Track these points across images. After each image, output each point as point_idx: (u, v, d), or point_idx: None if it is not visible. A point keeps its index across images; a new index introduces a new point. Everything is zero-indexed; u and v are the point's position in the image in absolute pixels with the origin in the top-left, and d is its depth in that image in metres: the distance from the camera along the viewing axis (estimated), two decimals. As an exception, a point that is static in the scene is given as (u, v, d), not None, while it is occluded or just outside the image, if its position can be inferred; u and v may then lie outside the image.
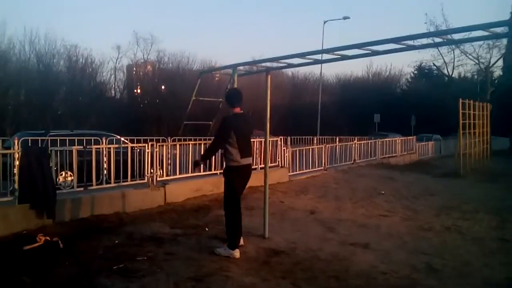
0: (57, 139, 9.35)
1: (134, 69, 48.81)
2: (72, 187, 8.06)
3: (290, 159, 13.46)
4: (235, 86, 6.37)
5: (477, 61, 31.18)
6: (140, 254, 5.80)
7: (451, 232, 7.62)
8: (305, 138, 25.99)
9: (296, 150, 14.10)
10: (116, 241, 6.39)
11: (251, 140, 11.97)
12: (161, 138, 11.68)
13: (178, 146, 10.00)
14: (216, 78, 35.52)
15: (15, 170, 6.94)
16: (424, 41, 5.15)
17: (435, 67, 43.06)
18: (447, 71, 37.79)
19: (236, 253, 5.78)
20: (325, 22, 36.11)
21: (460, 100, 16.83)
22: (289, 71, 50.62)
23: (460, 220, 8.46)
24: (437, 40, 5.07)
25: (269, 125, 7.09)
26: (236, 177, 5.94)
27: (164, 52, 47.82)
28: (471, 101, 17.97)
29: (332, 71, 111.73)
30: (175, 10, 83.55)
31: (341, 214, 8.81)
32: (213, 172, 10.69)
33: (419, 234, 7.36)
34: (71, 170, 8.11)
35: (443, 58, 34.59)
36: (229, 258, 5.72)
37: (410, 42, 4.97)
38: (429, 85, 50.03)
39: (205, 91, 6.70)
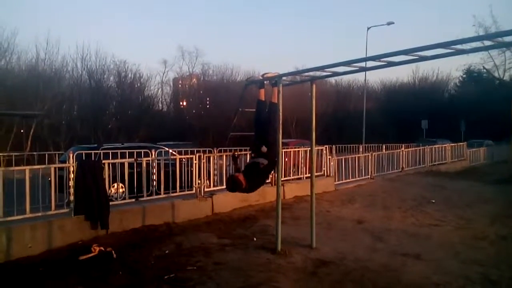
0: (109, 152, 9.71)
1: (180, 82, 49.97)
2: (124, 198, 8.34)
3: (335, 168, 13.34)
4: (281, 96, 6.35)
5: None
6: (189, 264, 5.92)
7: (507, 241, 7.31)
8: (350, 146, 25.55)
9: (341, 158, 13.95)
10: (167, 251, 6.55)
11: (297, 149, 11.98)
12: (207, 149, 11.85)
13: (224, 157, 10.13)
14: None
15: (71, 183, 7.27)
16: (474, 44, 4.96)
17: (484, 70, 41.51)
18: (498, 73, 36.44)
19: None
20: (368, 29, 35.45)
21: (513, 104, 16.17)
22: (332, 79, 50.32)
23: (516, 229, 8.09)
24: (488, 43, 4.90)
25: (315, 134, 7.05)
26: None
27: (209, 64, 49.09)
28: (525, 104, 17.20)
29: (377, 77, 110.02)
30: (218, 24, 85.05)
31: (390, 223, 8.63)
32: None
33: (472, 244, 7.09)
34: (123, 182, 8.39)
35: (493, 61, 33.41)
36: (277, 268, 5.72)
37: (459, 46, 4.83)
38: (479, 88, 48.09)
39: (250, 102, 6.75)
